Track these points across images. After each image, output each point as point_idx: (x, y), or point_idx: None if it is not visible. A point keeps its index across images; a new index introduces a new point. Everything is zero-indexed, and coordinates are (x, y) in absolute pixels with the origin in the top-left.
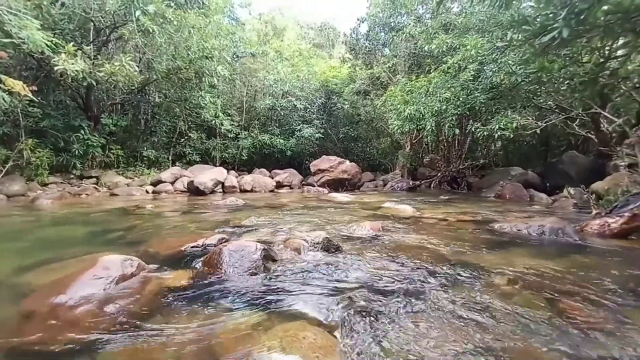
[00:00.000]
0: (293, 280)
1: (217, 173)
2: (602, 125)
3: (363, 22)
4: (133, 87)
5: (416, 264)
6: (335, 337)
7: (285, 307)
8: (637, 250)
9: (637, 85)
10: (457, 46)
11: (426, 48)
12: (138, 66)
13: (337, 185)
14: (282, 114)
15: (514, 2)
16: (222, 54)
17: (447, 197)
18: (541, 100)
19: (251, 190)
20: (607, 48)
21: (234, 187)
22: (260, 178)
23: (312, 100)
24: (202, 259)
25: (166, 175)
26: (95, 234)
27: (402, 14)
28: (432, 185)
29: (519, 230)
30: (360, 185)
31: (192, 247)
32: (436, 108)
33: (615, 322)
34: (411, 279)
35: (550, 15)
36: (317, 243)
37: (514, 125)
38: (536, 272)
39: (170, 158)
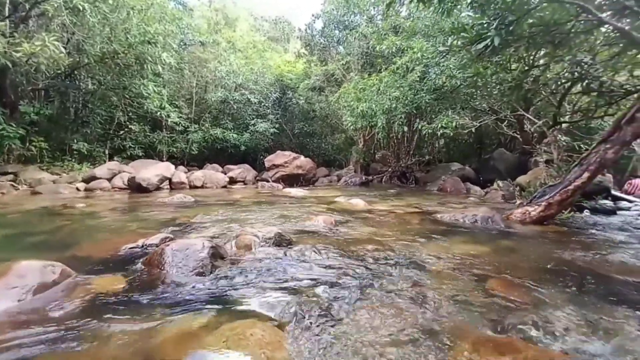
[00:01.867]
0: (243, 278)
1: (163, 168)
2: (525, 126)
3: (318, 18)
4: (59, 71)
5: (365, 255)
6: (285, 331)
7: (233, 306)
8: (551, 234)
9: (554, 91)
10: (405, 48)
11: (377, 48)
12: (65, 47)
13: (292, 180)
14: (236, 107)
15: (454, 10)
16: (168, 40)
17: (396, 191)
18: (477, 103)
19: (202, 187)
20: (531, 57)
21: (183, 183)
22: (212, 174)
23: (266, 94)
24: (141, 260)
25: (102, 170)
26: (10, 238)
27: (356, 14)
28: (383, 180)
29: (456, 219)
30: (315, 180)
31: (130, 248)
32: (386, 106)
33: (531, 295)
34: (360, 270)
35: (485, 25)
36: (269, 238)
37: (454, 124)
38: (469, 256)
39: (106, 152)
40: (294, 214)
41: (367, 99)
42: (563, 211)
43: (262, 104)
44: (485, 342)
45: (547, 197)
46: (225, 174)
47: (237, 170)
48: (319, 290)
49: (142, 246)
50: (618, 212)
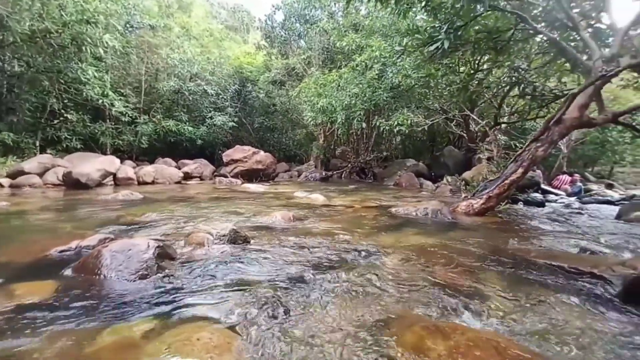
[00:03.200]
0: (193, 278)
1: (106, 163)
2: (471, 126)
3: (278, 9)
4: None
5: (323, 250)
6: (236, 333)
7: (180, 310)
8: (490, 224)
9: (495, 94)
10: (365, 46)
11: (338, 44)
12: None
13: (251, 175)
14: (191, 98)
15: (410, 13)
16: (111, 21)
17: (355, 186)
18: (429, 102)
19: (153, 183)
20: (476, 62)
21: (130, 179)
22: (164, 169)
23: (224, 86)
24: (74, 265)
25: (31, 164)
26: None
27: (317, 8)
28: (342, 176)
29: (410, 213)
30: (275, 175)
31: (61, 251)
32: (346, 102)
33: (472, 281)
34: (317, 265)
35: (437, 28)
36: (224, 236)
37: (409, 121)
38: (419, 247)
39: (37, 143)
40: (252, 210)
41: (327, 95)
42: (501, 203)
43: (220, 96)
44: (430, 327)
45: (487, 190)
46: (180, 169)
47: (193, 166)
48: (274, 287)
49: (76, 248)
50: (546, 204)
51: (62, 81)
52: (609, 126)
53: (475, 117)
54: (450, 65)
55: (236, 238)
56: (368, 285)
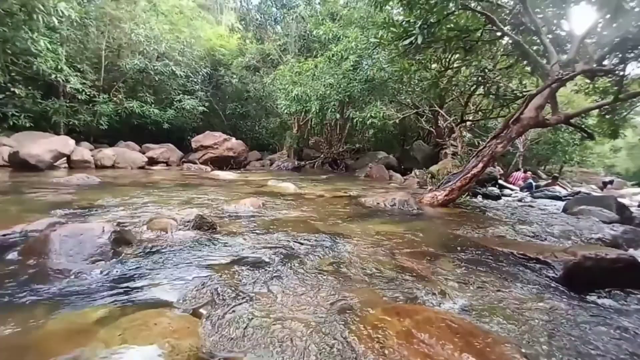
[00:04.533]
0: (153, 264)
1: (58, 143)
2: (439, 122)
3: None
4: None
5: (291, 236)
6: (198, 317)
7: (138, 295)
8: (452, 214)
9: (462, 92)
10: (341, 36)
11: (315, 32)
12: None
13: (221, 163)
14: (158, 79)
15: (387, 6)
16: None
17: (327, 176)
18: (402, 97)
19: (112, 167)
20: (447, 59)
21: (86, 162)
22: (126, 152)
23: (195, 68)
24: (19, 249)
25: None
26: None
27: None
28: (315, 166)
29: (378, 203)
30: (247, 164)
31: (4, 235)
32: (321, 92)
33: (432, 266)
34: (284, 251)
35: (412, 22)
36: (189, 221)
37: (382, 114)
38: (386, 235)
39: None
40: (221, 197)
41: (302, 84)
42: (462, 195)
43: (190, 78)
44: (390, 308)
45: (450, 183)
46: (144, 153)
47: (159, 150)
48: (239, 272)
49: (22, 232)
50: (502, 197)
51: (9, 51)
52: (561, 127)
53: (443, 114)
54: (423, 61)
55: (202, 224)
56: (333, 270)
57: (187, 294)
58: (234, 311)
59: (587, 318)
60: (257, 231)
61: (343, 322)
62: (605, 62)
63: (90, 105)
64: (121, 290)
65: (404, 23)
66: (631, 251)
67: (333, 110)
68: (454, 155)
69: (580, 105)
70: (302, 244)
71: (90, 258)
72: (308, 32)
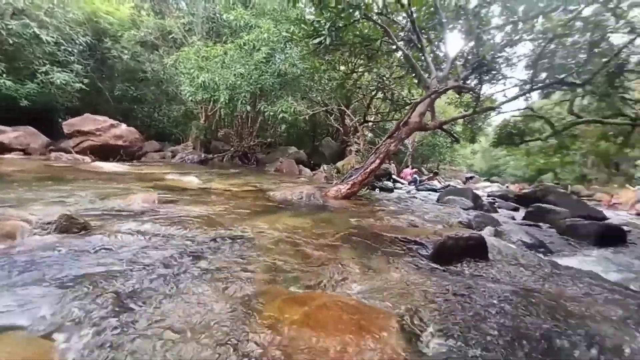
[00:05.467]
0: None
1: None
2: (346, 121)
3: None
4: None
5: (188, 235)
6: (52, 340)
7: None
8: (353, 206)
9: (365, 96)
10: (254, 25)
11: (225, 17)
12: None
13: (107, 153)
14: (12, 43)
15: (299, 4)
16: None
17: (237, 171)
18: (314, 95)
19: None
20: (353, 63)
21: None
22: None
23: (70, 35)
24: None
25: None
26: None
27: None
28: (224, 159)
29: (286, 197)
30: (142, 155)
31: None
32: (231, 81)
33: (331, 254)
34: (177, 252)
35: (322, 23)
36: (49, 223)
37: (292, 110)
38: (292, 228)
39: None
40: (103, 193)
41: (210, 70)
42: (362, 189)
43: (63, 47)
44: (290, 298)
45: (352, 177)
46: None
47: (13, 134)
48: (117, 281)
49: None
50: (395, 190)
51: None
52: (438, 132)
53: (349, 114)
54: (332, 62)
55: (70, 226)
56: (235, 267)
57: (39, 314)
58: (104, 329)
59: (447, 283)
60: (148, 231)
61: (242, 319)
62: (469, 82)
63: None
64: None
65: (314, 22)
66: (480, 231)
67: (244, 101)
68: (357, 152)
69: (450, 114)
70: (201, 243)
71: None
72: (218, 15)
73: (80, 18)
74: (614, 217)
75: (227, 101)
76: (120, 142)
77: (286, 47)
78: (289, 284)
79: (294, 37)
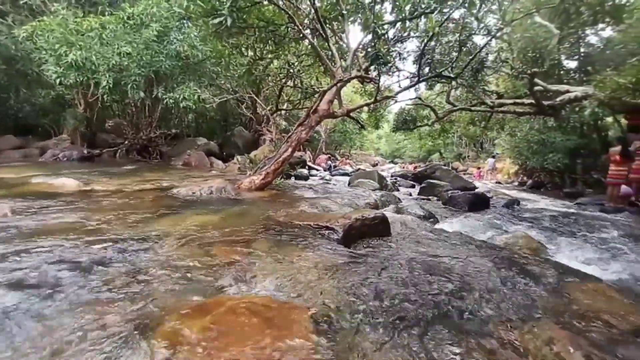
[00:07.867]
0: None
1: None
2: (258, 109)
3: None
4: None
5: (58, 251)
6: None
7: None
8: (268, 197)
9: (276, 82)
10: None
11: None
12: None
13: None
14: None
15: None
16: None
17: (133, 167)
18: (222, 82)
19: None
20: (261, 49)
21: None
22: None
23: None
24: None
25: None
26: None
27: None
28: (117, 155)
29: (193, 192)
30: None
31: None
32: (114, 62)
33: (243, 251)
34: (44, 274)
35: (221, 2)
36: None
37: (196, 97)
38: (199, 227)
39: None
40: None
41: (83, 47)
42: (277, 178)
43: None
44: (193, 307)
45: (266, 167)
46: None
47: None
48: None
49: None
50: (310, 177)
51: None
52: (347, 119)
53: (260, 102)
54: (237, 46)
55: None
56: (129, 281)
57: None
58: None
59: (355, 264)
60: None
61: (130, 342)
62: (370, 72)
63: None
64: None
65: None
66: (384, 210)
67: (135, 87)
68: (271, 141)
69: (357, 102)
70: (79, 259)
71: None
72: None
73: None
74: (481, 186)
75: (111, 85)
76: None
77: (183, 25)
78: (193, 292)
79: (189, 13)
